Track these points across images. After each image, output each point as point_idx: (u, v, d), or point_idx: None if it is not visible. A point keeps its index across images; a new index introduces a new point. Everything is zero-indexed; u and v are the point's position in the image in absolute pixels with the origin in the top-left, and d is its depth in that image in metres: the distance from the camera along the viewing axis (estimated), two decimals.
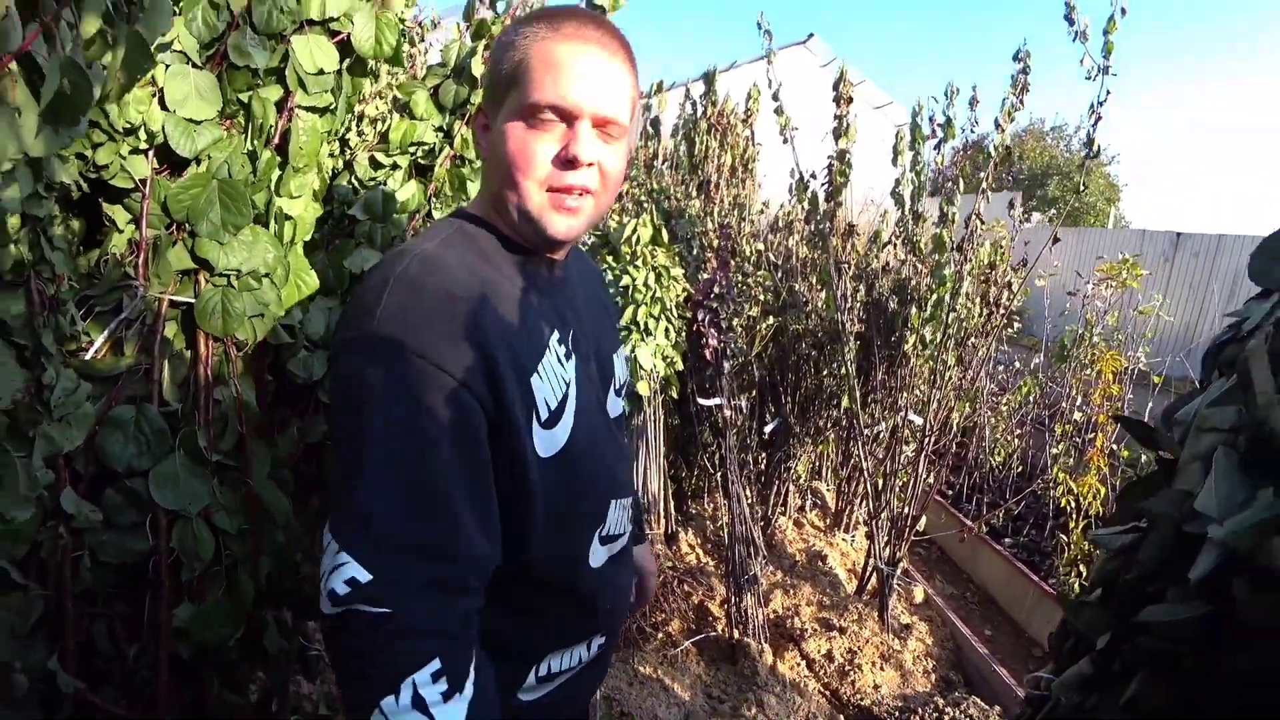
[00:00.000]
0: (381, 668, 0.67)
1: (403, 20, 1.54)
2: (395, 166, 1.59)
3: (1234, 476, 0.68)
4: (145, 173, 0.98)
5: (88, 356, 0.95)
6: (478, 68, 1.69)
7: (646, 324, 2.80)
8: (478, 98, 1.68)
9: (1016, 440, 4.54)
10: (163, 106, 1.01)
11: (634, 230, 2.99)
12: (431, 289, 0.73)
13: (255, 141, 1.06)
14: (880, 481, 2.87)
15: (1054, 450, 4.22)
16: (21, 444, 0.82)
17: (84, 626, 1.04)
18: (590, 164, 0.78)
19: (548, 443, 0.80)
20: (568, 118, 0.77)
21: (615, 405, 1.00)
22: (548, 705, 0.89)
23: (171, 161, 1.03)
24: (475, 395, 0.71)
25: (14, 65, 0.54)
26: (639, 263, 2.88)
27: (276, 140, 1.09)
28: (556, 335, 0.84)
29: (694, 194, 4.11)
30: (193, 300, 1.00)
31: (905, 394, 2.88)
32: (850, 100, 3.51)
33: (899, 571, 2.80)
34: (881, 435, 3.02)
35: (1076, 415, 4.32)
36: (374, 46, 1.29)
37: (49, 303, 0.86)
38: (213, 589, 1.09)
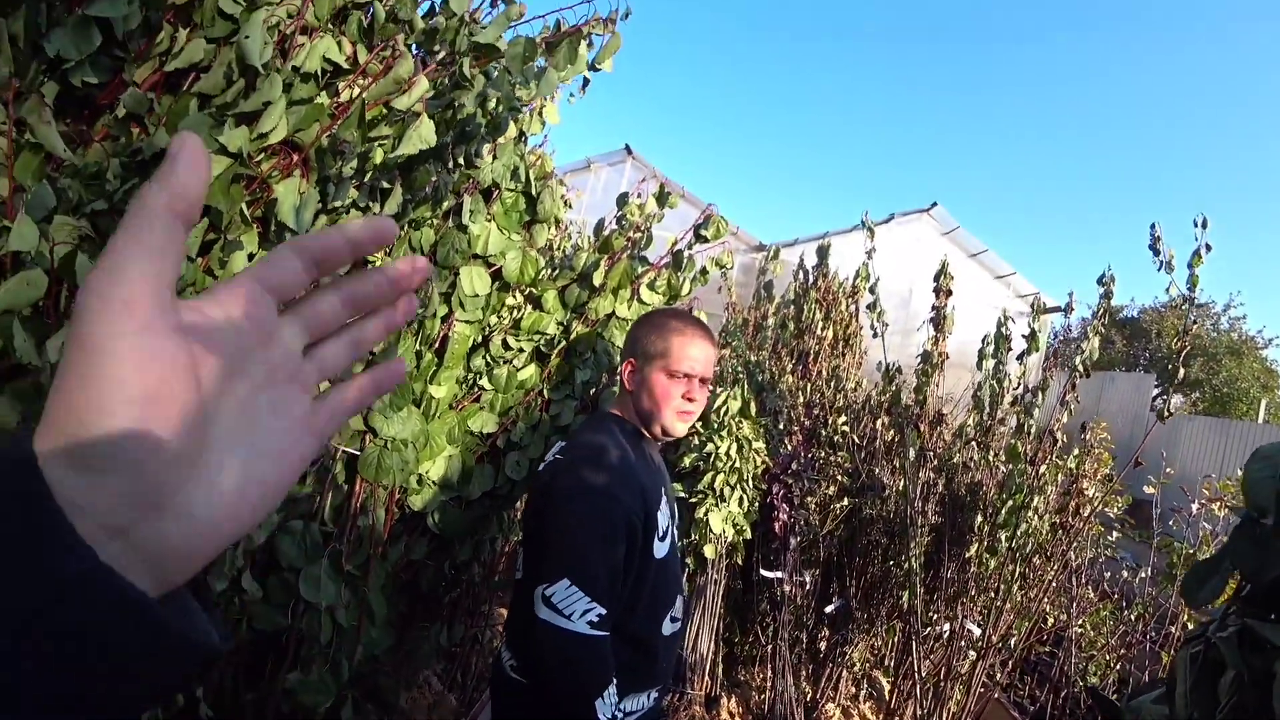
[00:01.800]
0: (604, 672, 1.19)
1: (550, 243, 2.03)
2: (521, 350, 2.03)
3: None
4: None
5: None
6: (599, 278, 2.14)
7: (722, 491, 3.05)
8: (595, 302, 2.12)
9: (1117, 659, 4.23)
10: None
11: (724, 401, 3.32)
12: (615, 465, 1.30)
13: (422, 345, 1.50)
14: (933, 688, 2.87)
15: (1161, 676, 3.90)
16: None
17: (225, 670, 1.40)
18: (697, 400, 1.45)
19: (660, 550, 1.35)
20: (690, 377, 1.43)
21: (675, 537, 1.54)
22: None
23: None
24: (636, 516, 1.28)
25: None
26: (724, 432, 3.18)
27: (437, 345, 1.54)
28: (664, 489, 1.45)
29: (789, 367, 4.42)
30: (358, 453, 1.41)
31: (965, 600, 2.91)
32: (950, 293, 3.76)
33: None
34: (942, 636, 3.03)
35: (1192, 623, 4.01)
36: (518, 275, 1.75)
37: None
38: (319, 665, 1.43)
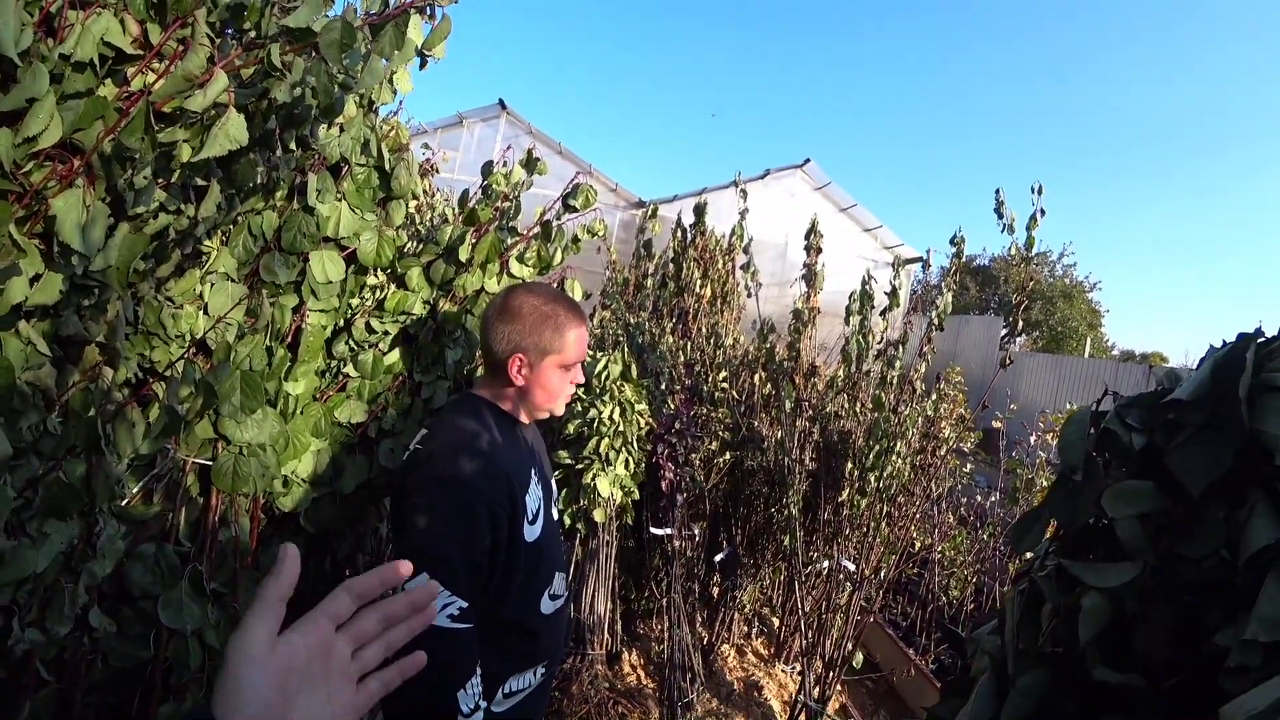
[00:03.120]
0: (465, 665, 1.19)
1: (412, 216, 1.92)
2: (386, 333, 1.93)
3: (987, 701, 0.95)
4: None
5: (124, 503, 1.25)
6: (465, 252, 2.06)
7: (608, 455, 3.09)
8: (462, 279, 2.04)
9: (974, 574, 4.70)
10: (205, 312, 1.36)
11: (605, 366, 3.34)
12: (477, 452, 1.28)
13: (273, 341, 1.40)
14: (815, 620, 3.08)
15: (1006, 589, 4.39)
16: (71, 576, 1.11)
17: (86, 715, 1.29)
18: (579, 380, 1.49)
19: (531, 534, 1.34)
20: (574, 365, 1.45)
21: (556, 514, 1.58)
22: (511, 718, 1.35)
23: (207, 352, 1.37)
24: (500, 505, 1.25)
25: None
26: (606, 397, 3.20)
27: (289, 339, 1.44)
28: (534, 471, 1.43)
29: (669, 327, 4.49)
30: (211, 463, 1.31)
31: (841, 539, 3.12)
32: (819, 251, 3.93)
33: (832, 708, 2.96)
34: (822, 573, 3.25)
35: (1028, 555, 4.51)
36: (375, 258, 1.66)
37: (107, 469, 1.16)
38: (193, 693, 1.34)
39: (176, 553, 1.29)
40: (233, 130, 0.88)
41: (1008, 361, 3.07)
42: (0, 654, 1.09)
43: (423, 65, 1.37)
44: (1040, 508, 0.95)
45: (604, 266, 6.89)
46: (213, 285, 1.36)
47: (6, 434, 0.74)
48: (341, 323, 1.92)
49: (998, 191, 3.22)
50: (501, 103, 12.37)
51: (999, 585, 4.47)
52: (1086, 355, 15.42)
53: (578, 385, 1.50)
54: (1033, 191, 3.14)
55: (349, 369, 1.84)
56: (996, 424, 5.14)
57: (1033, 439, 4.60)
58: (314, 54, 0.96)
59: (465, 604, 1.18)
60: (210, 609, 1.32)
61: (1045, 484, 4.58)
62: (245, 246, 1.41)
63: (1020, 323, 3.17)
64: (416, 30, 1.19)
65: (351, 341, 1.90)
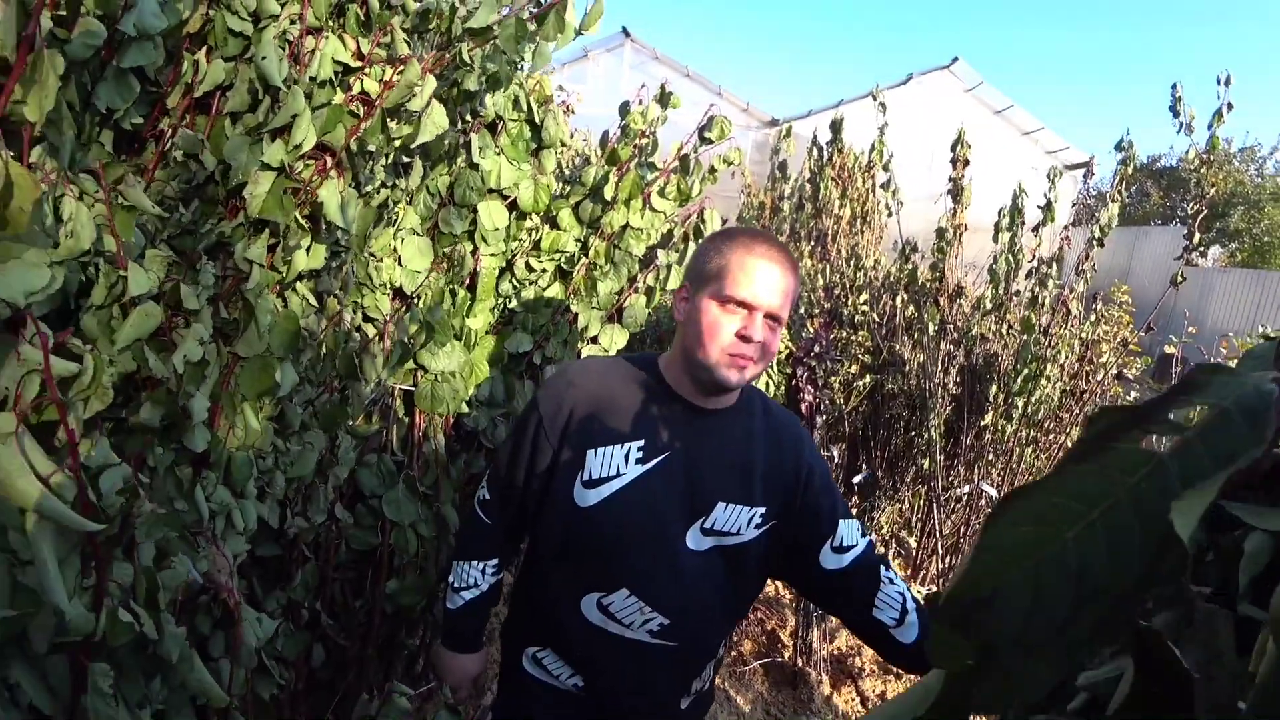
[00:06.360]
0: (470, 545, 1.29)
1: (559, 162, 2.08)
2: (544, 270, 2.13)
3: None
4: (388, 309, 1.56)
5: (352, 424, 1.54)
6: (609, 191, 2.20)
7: None
8: (609, 217, 2.20)
9: None
10: (399, 264, 1.60)
11: None
12: (565, 382, 1.20)
13: (455, 284, 1.62)
14: (954, 544, 3.10)
15: None
16: (322, 479, 1.42)
17: (336, 585, 1.64)
18: (758, 342, 1.08)
19: (581, 496, 1.14)
20: (749, 309, 1.07)
21: (698, 540, 1.15)
22: (537, 690, 1.24)
23: (403, 297, 1.62)
24: (545, 432, 1.17)
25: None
26: None
27: (468, 281, 1.66)
28: (640, 444, 1.12)
29: (807, 250, 4.45)
30: (413, 389, 1.57)
31: (983, 464, 3.09)
32: (967, 163, 3.73)
33: None
34: (962, 498, 3.25)
35: None
36: (533, 204, 1.84)
37: (359, 391, 1.44)
38: (411, 572, 1.66)
39: (393, 461, 1.57)
40: (437, 118, 1.06)
41: (1179, 279, 2.83)
42: (278, 536, 1.42)
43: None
44: None
45: (739, 191, 6.83)
46: (403, 240, 1.59)
47: (292, 367, 0.99)
48: (505, 264, 2.14)
49: (1174, 86, 2.90)
50: (625, 30, 12.23)
51: None
52: None
53: (748, 341, 1.07)
54: (1219, 83, 2.79)
55: (514, 305, 2.07)
56: (1170, 349, 4.70)
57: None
58: (494, 47, 1.11)
59: (488, 496, 1.26)
60: (421, 507, 1.61)
61: None
62: (425, 205, 1.63)
63: (1197, 235, 2.90)
64: (573, 13, 1.30)
65: (514, 280, 2.12)
